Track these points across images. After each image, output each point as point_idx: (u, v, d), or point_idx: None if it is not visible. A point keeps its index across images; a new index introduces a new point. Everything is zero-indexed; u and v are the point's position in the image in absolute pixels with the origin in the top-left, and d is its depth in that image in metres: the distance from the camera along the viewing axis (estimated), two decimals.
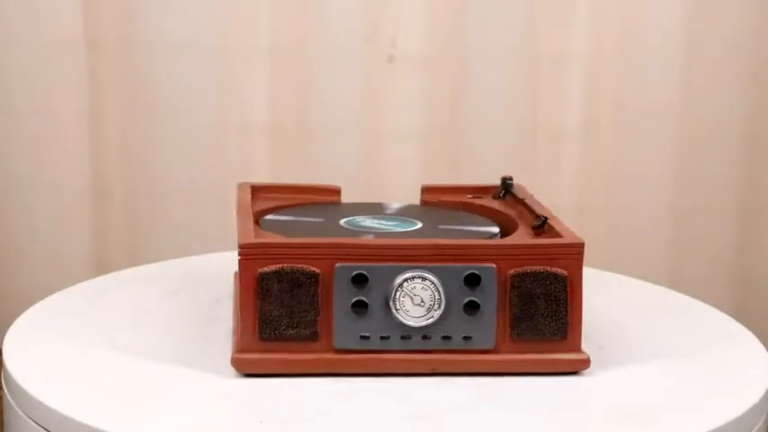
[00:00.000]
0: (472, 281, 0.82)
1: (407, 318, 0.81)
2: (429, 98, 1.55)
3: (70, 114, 1.55)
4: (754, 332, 0.95)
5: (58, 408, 0.76)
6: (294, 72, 1.54)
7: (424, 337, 0.82)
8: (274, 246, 0.80)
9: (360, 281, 0.81)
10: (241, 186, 1.00)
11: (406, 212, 0.98)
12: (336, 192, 1.02)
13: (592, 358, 0.85)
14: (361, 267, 0.81)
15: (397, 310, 0.81)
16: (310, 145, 1.55)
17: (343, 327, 0.81)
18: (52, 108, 1.54)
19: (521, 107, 1.56)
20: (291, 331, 0.81)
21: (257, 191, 1.00)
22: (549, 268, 0.82)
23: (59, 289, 1.03)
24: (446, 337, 0.82)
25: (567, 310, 0.83)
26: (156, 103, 1.53)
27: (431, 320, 0.82)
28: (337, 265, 0.81)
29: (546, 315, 0.83)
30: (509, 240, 0.86)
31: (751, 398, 0.81)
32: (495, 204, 1.01)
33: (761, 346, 0.92)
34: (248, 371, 0.82)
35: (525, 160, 1.57)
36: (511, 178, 1.03)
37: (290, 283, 0.80)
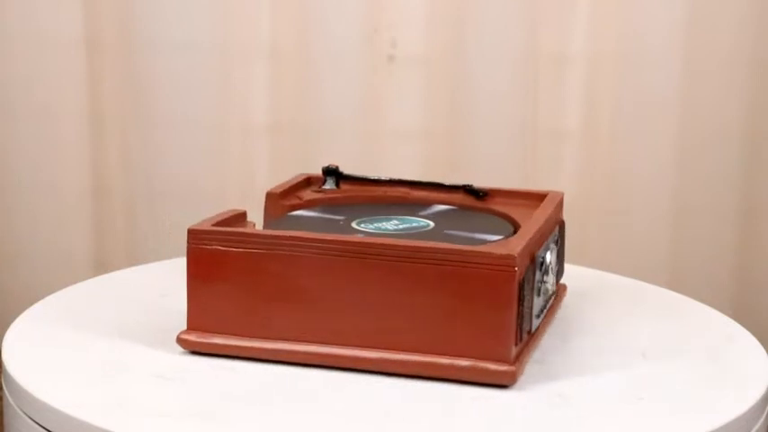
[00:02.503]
0: (556, 242, 0.91)
1: (549, 285, 0.88)
2: (429, 98, 1.55)
3: (70, 114, 1.55)
4: (754, 332, 0.95)
5: (58, 407, 0.76)
6: (294, 72, 1.54)
7: (546, 301, 0.88)
8: (522, 250, 0.79)
9: (540, 264, 0.85)
10: (198, 230, 0.88)
11: (366, 211, 0.97)
12: (243, 215, 0.95)
13: (591, 358, 0.86)
14: (540, 253, 0.85)
15: (546, 282, 0.86)
16: (310, 145, 1.55)
17: (531, 311, 0.83)
18: (52, 108, 1.54)
19: (521, 107, 1.56)
20: (525, 330, 0.81)
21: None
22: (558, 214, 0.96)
23: (59, 288, 1.03)
24: (551, 296, 0.90)
25: None
26: (156, 104, 1.53)
27: (553, 282, 0.90)
28: (537, 253, 0.84)
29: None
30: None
31: (751, 398, 0.81)
32: (343, 193, 1.05)
33: (761, 347, 0.91)
34: (513, 381, 0.79)
35: (525, 160, 1.57)
36: (337, 167, 1.06)
37: (527, 283, 0.80)
